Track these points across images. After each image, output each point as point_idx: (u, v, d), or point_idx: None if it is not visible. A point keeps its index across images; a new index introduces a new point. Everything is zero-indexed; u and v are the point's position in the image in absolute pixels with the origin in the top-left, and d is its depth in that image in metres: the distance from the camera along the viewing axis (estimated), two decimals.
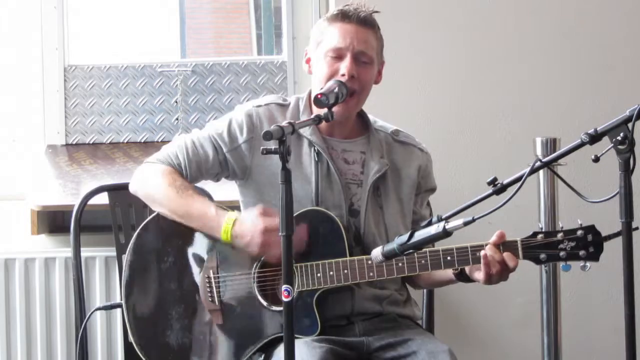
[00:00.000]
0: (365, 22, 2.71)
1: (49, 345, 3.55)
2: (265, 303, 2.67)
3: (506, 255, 2.50)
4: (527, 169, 2.19)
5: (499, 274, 2.52)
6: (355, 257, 2.63)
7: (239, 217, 2.64)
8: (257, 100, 2.83)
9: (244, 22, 4.55)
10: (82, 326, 3.09)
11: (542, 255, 2.50)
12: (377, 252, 2.38)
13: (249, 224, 2.61)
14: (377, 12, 2.74)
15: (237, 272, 2.69)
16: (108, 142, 3.83)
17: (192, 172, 2.75)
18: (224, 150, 2.74)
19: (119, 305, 2.81)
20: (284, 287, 2.27)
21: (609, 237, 2.40)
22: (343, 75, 2.66)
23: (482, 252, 2.51)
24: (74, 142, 3.82)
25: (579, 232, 2.48)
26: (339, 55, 2.69)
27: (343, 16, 2.71)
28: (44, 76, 3.80)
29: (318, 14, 3.75)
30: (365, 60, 2.70)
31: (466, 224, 2.21)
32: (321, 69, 2.71)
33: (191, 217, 2.68)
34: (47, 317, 3.54)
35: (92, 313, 3.13)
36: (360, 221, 2.73)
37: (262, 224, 2.59)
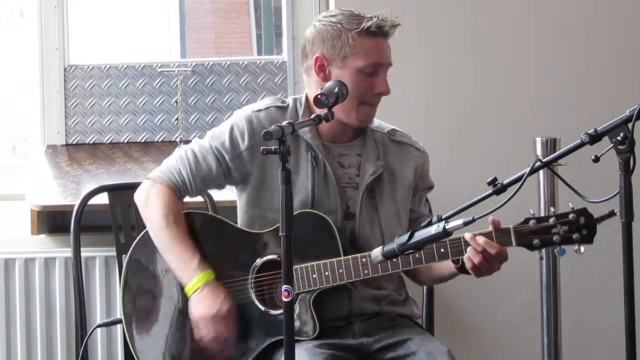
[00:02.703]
0: (390, 33, 2.72)
1: (49, 346, 3.54)
2: (263, 308, 2.67)
3: (484, 242, 2.50)
4: (527, 169, 2.20)
5: (483, 263, 2.51)
6: (350, 256, 2.63)
7: (214, 284, 2.64)
8: (255, 104, 2.81)
9: (244, 22, 4.55)
10: (85, 340, 3.09)
11: (536, 241, 2.50)
12: (377, 252, 2.38)
13: (217, 298, 2.62)
14: (399, 24, 2.73)
15: (234, 279, 2.69)
16: (108, 142, 3.83)
17: (197, 186, 2.75)
18: (227, 158, 2.73)
19: (120, 321, 2.82)
20: (284, 287, 2.27)
21: (602, 219, 2.40)
22: (381, 93, 2.68)
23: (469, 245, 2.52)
24: (74, 142, 3.82)
25: (571, 216, 2.47)
26: (374, 71, 2.68)
27: (379, 30, 2.68)
28: (44, 76, 3.80)
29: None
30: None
31: (466, 224, 2.21)
32: (357, 85, 2.66)
33: (172, 254, 2.69)
34: (47, 317, 3.54)
35: (93, 330, 3.13)
36: (355, 224, 2.72)
37: (224, 310, 2.62)
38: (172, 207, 2.72)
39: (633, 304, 2.13)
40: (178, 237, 2.69)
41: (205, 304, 2.63)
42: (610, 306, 3.64)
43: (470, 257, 2.52)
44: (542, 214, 3.22)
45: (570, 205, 2.47)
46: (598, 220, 2.43)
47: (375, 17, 2.68)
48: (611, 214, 2.16)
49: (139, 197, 2.79)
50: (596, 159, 2.13)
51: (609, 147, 2.12)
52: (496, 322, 3.74)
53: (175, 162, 2.76)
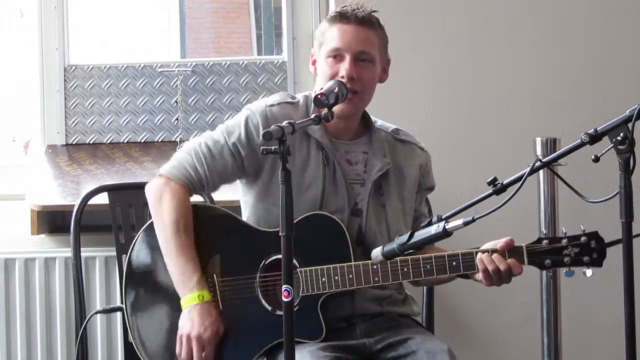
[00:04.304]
0: (364, 22, 2.71)
1: (49, 346, 3.54)
2: (269, 308, 2.66)
3: (511, 262, 2.53)
4: (527, 169, 2.20)
5: (500, 278, 2.54)
6: (360, 262, 2.62)
7: (210, 305, 2.63)
8: (268, 99, 2.80)
9: (244, 22, 4.55)
10: (82, 328, 3.09)
11: (547, 261, 2.53)
12: (377, 252, 2.38)
13: (205, 321, 2.61)
14: (375, 11, 2.74)
15: (241, 277, 2.68)
16: (108, 142, 3.83)
17: (213, 183, 2.74)
18: (242, 154, 2.71)
19: (119, 309, 2.80)
20: (283, 287, 2.27)
21: (612, 244, 2.41)
22: (342, 77, 2.67)
23: (479, 257, 2.53)
24: (74, 142, 3.82)
25: (583, 239, 2.50)
26: (339, 56, 2.69)
27: (342, 17, 2.71)
28: (44, 76, 3.80)
29: (318, 14, 3.75)
30: (365, 59, 2.70)
31: (466, 224, 2.21)
32: (323, 70, 2.71)
33: (175, 263, 2.66)
34: (47, 317, 3.54)
35: (91, 316, 3.13)
36: (362, 220, 2.72)
37: (207, 336, 2.61)
38: (185, 212, 2.69)
39: (633, 304, 2.13)
40: (184, 247, 2.66)
41: (190, 323, 2.62)
42: (610, 306, 3.64)
43: (486, 266, 2.54)
44: (543, 217, 3.24)
45: (582, 227, 2.49)
46: (608, 245, 2.46)
47: (347, 5, 2.73)
48: (620, 240, 2.17)
49: (151, 193, 2.74)
50: (596, 159, 2.13)
51: (609, 147, 2.12)
52: (496, 322, 3.74)
53: (190, 158, 2.73)
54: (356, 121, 2.79)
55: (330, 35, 2.71)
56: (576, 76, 3.73)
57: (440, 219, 2.25)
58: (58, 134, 3.81)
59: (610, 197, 2.16)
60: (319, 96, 2.54)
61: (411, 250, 2.33)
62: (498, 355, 3.75)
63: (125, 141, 3.84)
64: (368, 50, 2.70)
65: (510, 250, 2.54)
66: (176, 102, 3.83)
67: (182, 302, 2.65)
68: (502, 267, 2.52)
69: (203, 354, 2.61)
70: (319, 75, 2.74)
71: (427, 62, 3.71)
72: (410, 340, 2.66)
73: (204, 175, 2.71)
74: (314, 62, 2.79)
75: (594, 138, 2.14)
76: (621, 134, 2.10)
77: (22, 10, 3.99)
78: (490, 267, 2.53)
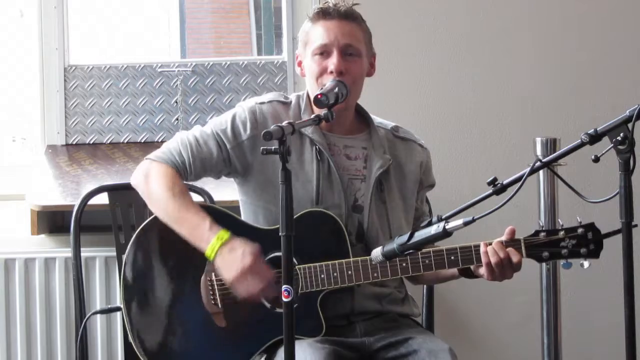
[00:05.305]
0: (347, 16, 2.72)
1: (48, 346, 3.54)
2: (268, 305, 2.66)
3: (510, 250, 2.53)
4: (527, 169, 2.20)
5: (501, 267, 2.53)
6: (359, 258, 2.63)
7: (231, 240, 2.60)
8: (259, 97, 2.82)
9: (244, 22, 4.55)
10: (81, 328, 3.10)
11: (545, 254, 2.53)
12: (377, 252, 2.38)
13: (238, 254, 2.58)
14: (356, 4, 2.76)
15: None
16: (108, 142, 3.83)
17: (196, 170, 2.73)
18: (228, 147, 2.73)
19: (117, 309, 2.80)
20: (283, 287, 2.27)
21: (609, 235, 2.42)
22: (331, 72, 2.67)
23: (482, 249, 2.53)
24: (74, 142, 3.82)
25: (580, 230, 2.51)
26: (325, 52, 2.70)
27: (324, 14, 2.72)
28: (44, 76, 3.80)
29: None
30: (352, 53, 2.71)
31: (466, 224, 2.21)
32: (311, 68, 2.72)
33: (183, 224, 2.65)
34: (47, 317, 3.54)
35: (89, 316, 3.13)
36: (364, 217, 2.72)
37: (249, 262, 2.56)
38: (176, 181, 2.69)
39: (633, 304, 2.13)
40: (185, 206, 2.65)
41: (229, 266, 2.58)
42: (610, 306, 3.64)
43: (489, 258, 2.54)
44: (543, 217, 3.24)
45: (579, 219, 2.49)
46: (605, 236, 2.46)
47: (327, 2, 2.75)
48: (618, 231, 2.17)
49: (137, 175, 2.76)
50: (596, 159, 2.13)
51: (609, 147, 2.12)
52: (496, 322, 3.74)
53: (176, 144, 2.75)
54: (349, 116, 2.80)
55: (315, 34, 2.72)
56: (576, 76, 3.73)
57: (440, 219, 2.25)
58: (58, 134, 3.81)
59: (610, 197, 2.16)
60: (319, 96, 2.54)
61: (411, 251, 2.33)
62: (498, 355, 3.75)
63: (125, 141, 3.84)
64: (354, 43, 2.71)
65: (508, 243, 2.54)
66: (176, 102, 3.83)
67: (207, 255, 2.60)
68: (501, 254, 2.52)
69: (259, 278, 2.57)
70: (307, 74, 2.75)
71: (427, 62, 3.71)
72: (411, 340, 2.66)
73: (187, 159, 2.72)
74: (299, 64, 2.79)
75: (594, 138, 2.14)
76: (621, 134, 2.10)
77: (22, 10, 3.99)
78: (492, 259, 2.53)
